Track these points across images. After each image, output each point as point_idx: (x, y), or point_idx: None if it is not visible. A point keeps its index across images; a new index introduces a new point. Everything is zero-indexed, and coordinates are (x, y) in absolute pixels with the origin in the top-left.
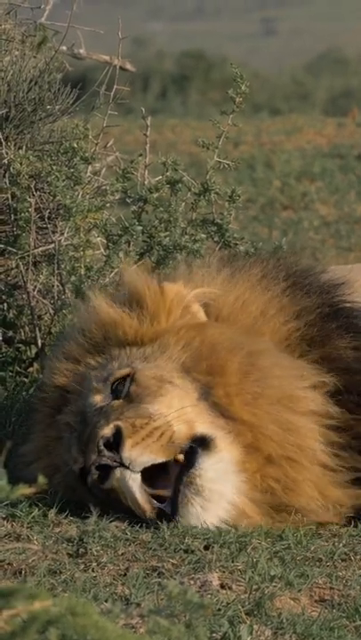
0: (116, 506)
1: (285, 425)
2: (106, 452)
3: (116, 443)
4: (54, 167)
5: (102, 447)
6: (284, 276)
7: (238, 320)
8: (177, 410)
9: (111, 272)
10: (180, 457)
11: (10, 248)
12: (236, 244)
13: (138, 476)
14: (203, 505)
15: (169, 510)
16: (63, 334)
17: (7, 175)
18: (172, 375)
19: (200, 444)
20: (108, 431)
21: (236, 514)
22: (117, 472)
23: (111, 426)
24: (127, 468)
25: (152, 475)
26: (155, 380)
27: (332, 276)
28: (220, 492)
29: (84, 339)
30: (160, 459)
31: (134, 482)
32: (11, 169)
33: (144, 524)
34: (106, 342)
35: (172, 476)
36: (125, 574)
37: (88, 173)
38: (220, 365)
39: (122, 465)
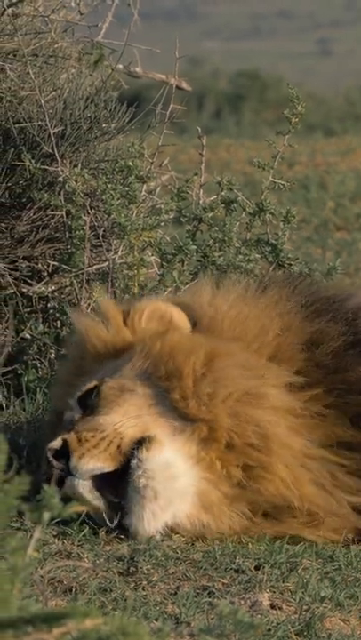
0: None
1: (245, 418)
2: (55, 463)
3: (65, 453)
4: (109, 185)
5: (51, 458)
6: (307, 301)
7: (235, 332)
8: (133, 417)
9: (165, 291)
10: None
11: (64, 266)
12: (291, 265)
13: (87, 483)
14: (154, 510)
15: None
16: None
17: (62, 193)
18: (135, 383)
19: (139, 444)
20: (56, 444)
21: (201, 505)
22: (67, 480)
23: (59, 439)
24: (75, 476)
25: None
26: (115, 390)
27: (359, 302)
28: (170, 487)
29: (70, 362)
30: (108, 467)
31: (84, 488)
32: (66, 186)
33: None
34: (83, 361)
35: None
36: (176, 593)
37: (143, 192)
38: (177, 369)
39: (70, 474)
